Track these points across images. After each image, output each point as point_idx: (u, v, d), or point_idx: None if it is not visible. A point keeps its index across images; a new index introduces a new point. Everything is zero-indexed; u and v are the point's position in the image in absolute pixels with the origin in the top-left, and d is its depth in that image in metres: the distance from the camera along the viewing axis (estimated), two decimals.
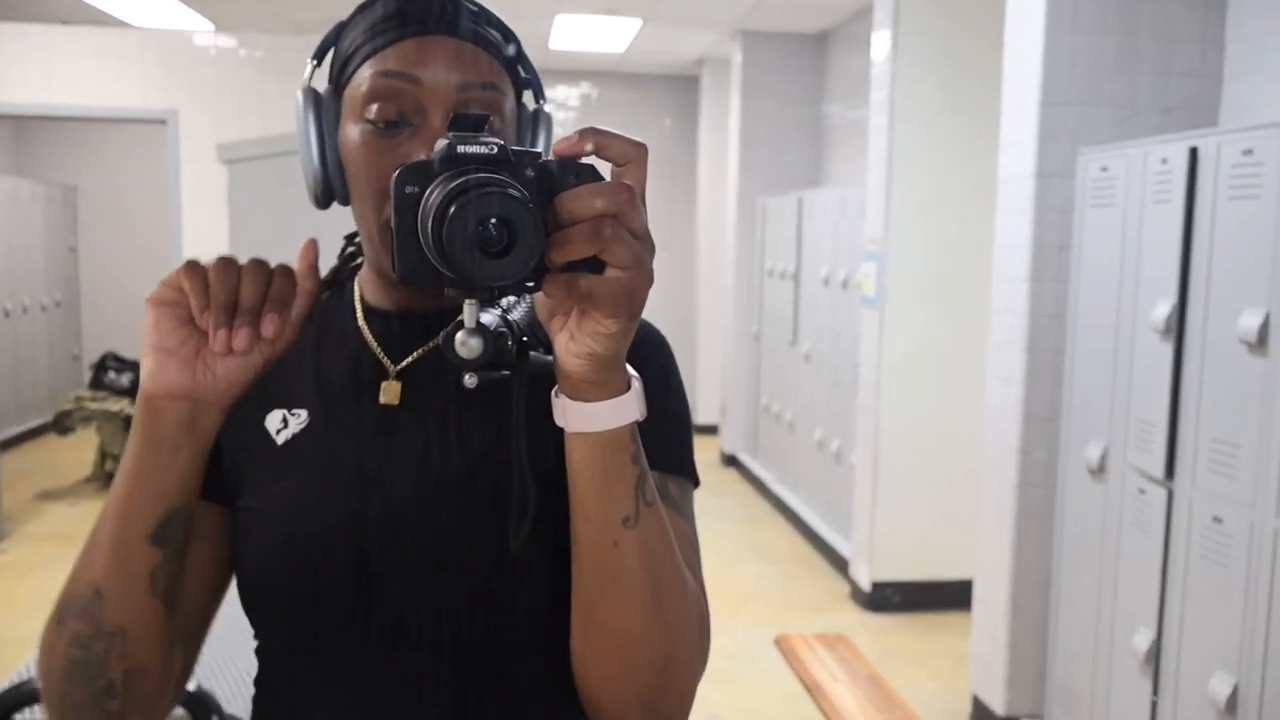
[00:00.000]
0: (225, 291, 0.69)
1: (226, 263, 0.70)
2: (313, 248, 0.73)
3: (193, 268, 0.70)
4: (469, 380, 0.69)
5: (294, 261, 0.75)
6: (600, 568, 0.71)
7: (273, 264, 0.73)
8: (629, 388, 0.68)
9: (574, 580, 0.74)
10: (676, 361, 0.89)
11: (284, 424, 0.84)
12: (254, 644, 0.88)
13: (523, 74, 0.85)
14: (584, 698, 0.77)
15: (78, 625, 0.73)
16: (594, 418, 0.67)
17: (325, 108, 0.81)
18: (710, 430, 7.61)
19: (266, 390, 0.84)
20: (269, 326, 0.71)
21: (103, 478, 6.15)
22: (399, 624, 0.78)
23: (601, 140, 0.63)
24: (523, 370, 0.73)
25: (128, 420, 6.11)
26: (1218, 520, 2.35)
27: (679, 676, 0.75)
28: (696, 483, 0.86)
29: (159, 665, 0.76)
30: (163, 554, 0.73)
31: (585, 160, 0.64)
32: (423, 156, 0.72)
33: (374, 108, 0.77)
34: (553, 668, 0.79)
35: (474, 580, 0.78)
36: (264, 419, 0.84)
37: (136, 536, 0.73)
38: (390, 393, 0.83)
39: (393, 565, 0.78)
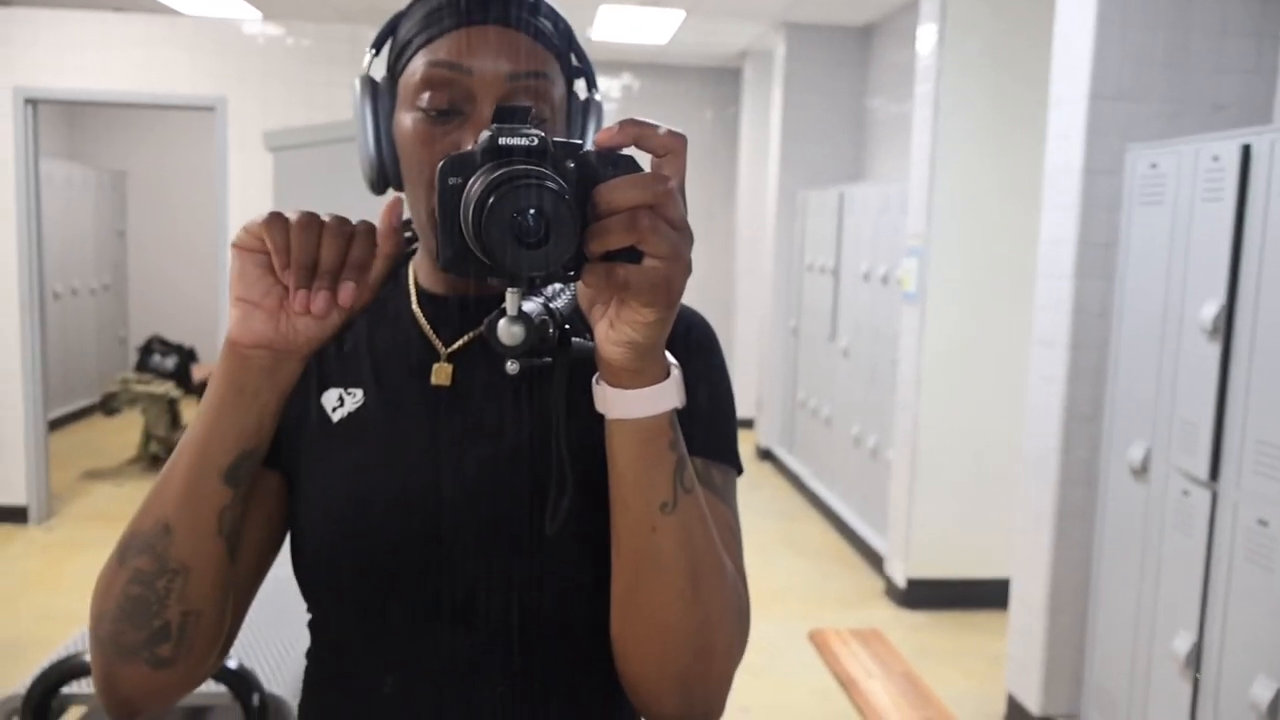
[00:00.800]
0: (305, 252, 0.70)
1: (309, 219, 0.71)
2: (398, 205, 0.73)
3: (275, 220, 0.70)
4: (511, 366, 0.71)
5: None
6: (638, 553, 0.72)
7: (355, 221, 0.74)
8: (668, 375, 0.69)
9: (614, 565, 0.75)
10: (722, 349, 0.89)
11: (340, 402, 0.86)
12: (293, 621, 0.90)
13: (575, 63, 0.86)
14: (623, 679, 0.79)
15: (140, 561, 0.75)
16: (633, 404, 0.68)
17: (381, 96, 0.83)
18: (746, 424, 7.60)
19: (323, 369, 0.87)
20: (345, 295, 0.71)
21: (147, 459, 6.26)
22: (468, 596, 0.80)
23: (641, 132, 0.64)
24: (564, 357, 0.74)
25: (172, 403, 6.22)
26: (1263, 523, 2.31)
27: (717, 662, 0.76)
28: (740, 470, 0.87)
29: (214, 612, 0.78)
30: (233, 494, 0.75)
31: (625, 152, 0.65)
32: (471, 145, 0.73)
33: (426, 96, 0.78)
34: (602, 648, 0.80)
35: (529, 557, 0.79)
36: (320, 396, 0.86)
37: (211, 473, 0.74)
38: (442, 374, 0.84)
39: (465, 537, 0.80)
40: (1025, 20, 4.02)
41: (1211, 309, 2.47)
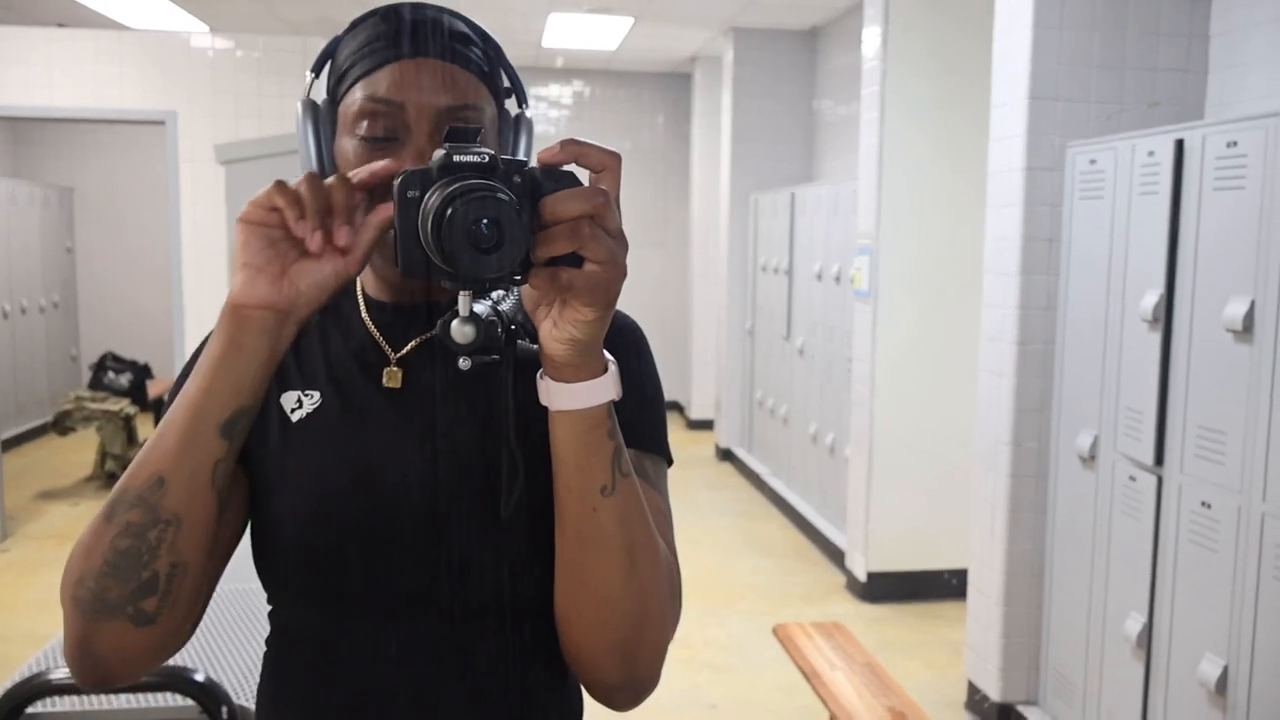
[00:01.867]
0: (318, 199, 0.75)
1: (313, 177, 0.76)
2: (392, 165, 0.78)
3: (282, 185, 0.76)
4: (463, 363, 0.78)
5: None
6: (581, 532, 0.79)
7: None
8: (606, 370, 0.76)
9: (558, 544, 0.82)
10: (651, 350, 0.97)
11: (299, 404, 0.91)
12: (260, 634, 0.94)
13: (505, 84, 0.93)
14: (566, 651, 0.85)
15: (132, 515, 0.77)
16: (575, 396, 0.75)
17: (322, 118, 0.90)
18: (705, 425, 7.65)
19: (281, 373, 0.92)
20: (343, 236, 0.76)
21: (104, 477, 6.17)
22: (429, 580, 0.86)
23: (580, 150, 0.71)
24: (511, 354, 0.81)
25: (128, 420, 6.14)
26: (1206, 506, 2.39)
27: (652, 631, 0.83)
28: (670, 460, 0.94)
29: (198, 570, 0.80)
30: (226, 448, 0.79)
31: (566, 168, 0.72)
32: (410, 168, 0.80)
33: (364, 125, 0.86)
34: (549, 625, 0.86)
35: (485, 542, 0.86)
36: (279, 398, 0.92)
37: (209, 426, 0.78)
38: (393, 378, 0.91)
39: (425, 525, 0.86)
40: (968, 21, 4.11)
41: (1151, 299, 2.55)
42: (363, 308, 0.94)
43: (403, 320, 0.93)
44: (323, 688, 0.89)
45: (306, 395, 0.91)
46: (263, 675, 0.96)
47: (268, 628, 0.96)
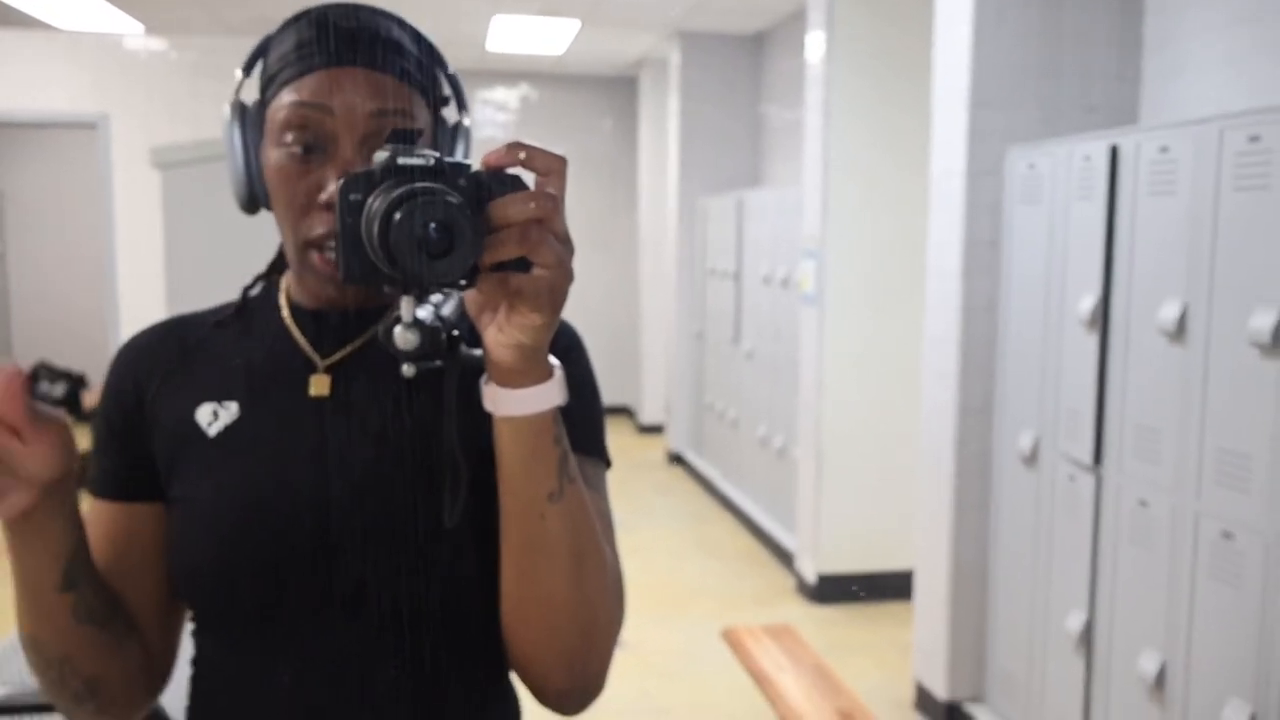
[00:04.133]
0: None
1: None
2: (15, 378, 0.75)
3: None
4: (407, 369, 0.76)
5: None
6: (528, 539, 0.78)
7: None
8: (551, 375, 0.75)
9: (504, 553, 0.80)
10: (588, 352, 0.96)
11: (214, 416, 0.89)
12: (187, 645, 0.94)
13: (443, 92, 0.91)
14: (514, 659, 0.85)
15: (31, 657, 0.84)
16: (521, 403, 0.74)
17: (250, 121, 0.88)
18: (655, 430, 7.65)
19: (195, 386, 0.90)
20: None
21: None
22: (358, 590, 0.84)
23: (526, 153, 0.70)
24: (455, 360, 0.79)
25: None
26: (1143, 504, 2.44)
27: (599, 637, 0.83)
28: (609, 464, 0.94)
29: (114, 668, 0.86)
30: (76, 593, 0.81)
31: (512, 171, 0.70)
32: (332, 186, 0.80)
33: (289, 135, 0.84)
34: (494, 636, 0.85)
35: (421, 550, 0.84)
36: (194, 413, 0.89)
37: (47, 592, 0.81)
38: (320, 385, 0.88)
39: (354, 532, 0.84)
40: (911, 25, 4.15)
41: (1088, 302, 2.60)
42: (286, 313, 0.92)
43: (329, 326, 0.90)
44: (253, 701, 0.87)
45: (223, 407, 0.88)
46: (190, 696, 0.94)
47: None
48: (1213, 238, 2.21)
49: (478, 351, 0.76)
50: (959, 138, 3.07)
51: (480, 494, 0.82)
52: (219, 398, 0.89)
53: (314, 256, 0.84)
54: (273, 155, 0.85)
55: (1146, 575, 2.43)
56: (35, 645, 0.83)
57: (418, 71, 0.88)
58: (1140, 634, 2.45)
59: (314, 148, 0.83)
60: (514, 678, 0.91)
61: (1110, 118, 3.08)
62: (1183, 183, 2.30)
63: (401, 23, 0.89)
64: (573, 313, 0.82)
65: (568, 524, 0.78)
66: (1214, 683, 2.23)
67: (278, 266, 0.97)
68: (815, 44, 4.33)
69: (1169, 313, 2.31)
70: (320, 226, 0.83)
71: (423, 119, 0.87)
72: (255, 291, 0.95)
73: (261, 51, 0.89)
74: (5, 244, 8.13)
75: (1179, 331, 2.30)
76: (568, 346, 0.92)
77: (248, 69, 0.89)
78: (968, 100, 3.02)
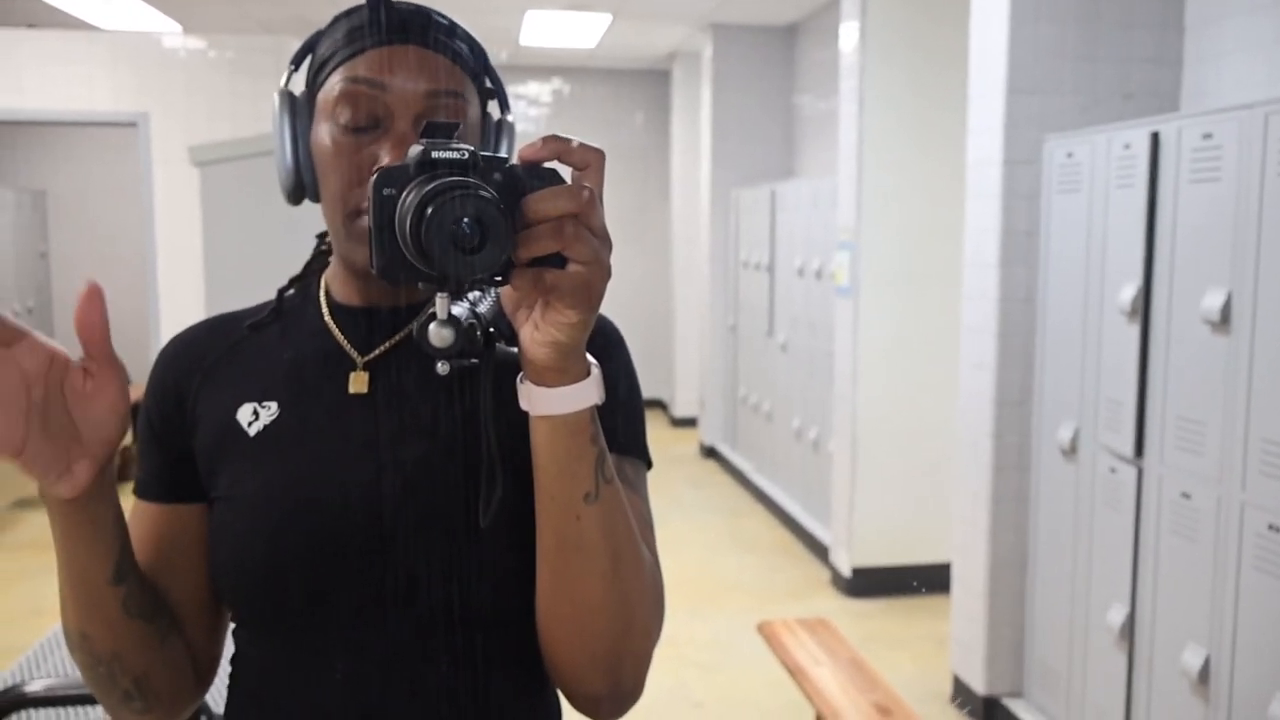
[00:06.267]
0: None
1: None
2: (95, 294, 0.75)
3: None
4: (441, 368, 0.74)
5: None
6: (564, 540, 0.76)
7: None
8: (589, 374, 0.73)
9: (539, 554, 0.79)
10: (629, 350, 0.94)
11: (255, 416, 0.88)
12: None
13: (489, 85, 0.90)
14: (549, 663, 0.83)
15: (78, 657, 0.84)
16: (557, 401, 0.72)
17: (299, 110, 0.86)
18: (689, 423, 7.64)
19: (235, 386, 0.90)
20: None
21: None
22: (411, 580, 0.83)
23: (563, 147, 0.68)
24: (490, 358, 0.78)
25: None
26: (1186, 496, 2.40)
27: (637, 640, 0.81)
28: (649, 464, 0.92)
29: (161, 665, 0.86)
30: (126, 586, 0.81)
31: (548, 165, 0.69)
32: (387, 159, 0.79)
33: (344, 110, 0.82)
34: (533, 633, 0.84)
35: (470, 546, 0.83)
36: (235, 413, 0.89)
37: (99, 586, 0.80)
38: (359, 382, 0.88)
39: (407, 522, 0.83)
40: (945, 13, 4.11)
41: (1129, 292, 2.56)
42: (325, 311, 0.91)
43: (369, 324, 0.90)
44: (303, 694, 0.86)
45: (264, 406, 0.88)
46: (229, 690, 0.94)
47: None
48: (1258, 225, 2.17)
49: (514, 349, 0.74)
50: (996, 125, 3.03)
51: (521, 493, 0.80)
52: (259, 398, 0.89)
53: (360, 224, 0.82)
54: (324, 134, 0.84)
55: (1190, 568, 2.39)
56: (85, 642, 0.83)
57: (470, 58, 0.87)
58: (1183, 628, 2.42)
59: (367, 126, 0.82)
60: None
61: (1149, 103, 3.03)
62: (1227, 169, 2.26)
63: (451, 19, 0.89)
64: (606, 305, 0.80)
65: (604, 525, 0.76)
66: (1259, 677, 2.19)
67: (313, 268, 0.96)
68: (849, 34, 4.29)
69: (1213, 301, 2.27)
70: None
71: (474, 107, 0.87)
72: (290, 293, 0.95)
73: (311, 45, 0.89)
74: (48, 242, 8.26)
75: (1223, 320, 2.26)
76: (606, 344, 0.90)
77: (297, 61, 0.89)
78: (1004, 86, 2.98)
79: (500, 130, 0.92)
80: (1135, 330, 2.56)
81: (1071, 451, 2.86)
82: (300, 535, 0.83)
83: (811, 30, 6.14)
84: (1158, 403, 2.50)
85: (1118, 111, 3.01)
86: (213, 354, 0.92)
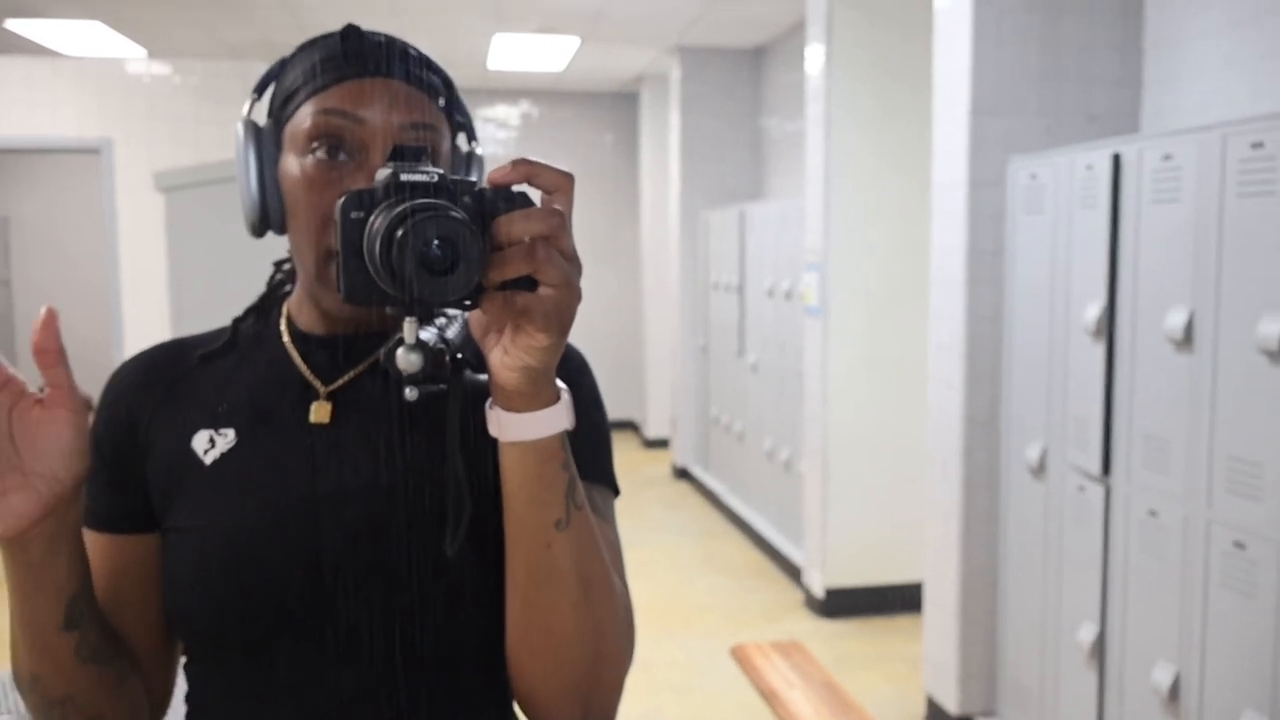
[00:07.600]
0: None
1: None
2: (51, 322, 0.74)
3: None
4: (410, 393, 0.74)
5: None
6: (535, 569, 0.75)
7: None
8: (559, 399, 0.72)
9: (509, 583, 0.78)
10: (595, 376, 0.94)
11: (211, 444, 0.86)
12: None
13: (458, 118, 0.90)
14: (520, 697, 0.82)
15: (30, 699, 0.82)
16: (527, 427, 0.71)
17: (265, 141, 0.85)
18: (661, 444, 7.63)
19: (191, 412, 0.87)
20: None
21: None
22: (353, 634, 0.81)
23: (532, 170, 0.68)
24: (459, 383, 0.77)
25: None
26: (1153, 514, 2.42)
27: (609, 669, 0.80)
28: (617, 492, 0.91)
29: (117, 706, 0.84)
30: (80, 632, 0.79)
31: (517, 188, 0.68)
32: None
33: (317, 142, 0.81)
34: (495, 672, 0.83)
35: (422, 589, 0.81)
36: (190, 441, 0.86)
37: (50, 632, 0.78)
38: (321, 412, 0.86)
39: (346, 577, 0.81)
40: (911, 34, 4.15)
41: (1094, 311, 2.58)
42: (286, 339, 0.90)
43: (331, 352, 0.88)
44: None
45: (220, 434, 0.86)
46: None
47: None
48: (1218, 245, 2.20)
49: (483, 375, 0.73)
50: (960, 146, 3.06)
51: (483, 524, 0.79)
52: (216, 425, 0.86)
53: (334, 268, 0.80)
54: (294, 165, 0.82)
55: (1158, 586, 2.41)
56: (35, 684, 0.81)
57: (443, 90, 0.87)
58: (1153, 645, 2.43)
59: (342, 157, 0.81)
60: (519, 712, 0.88)
61: (1112, 125, 3.08)
62: (1187, 190, 2.29)
63: (419, 50, 0.88)
64: (576, 327, 0.80)
65: (575, 552, 0.75)
66: (1229, 694, 2.20)
67: (270, 298, 0.94)
68: (814, 56, 4.33)
69: (1175, 320, 2.30)
70: None
71: (446, 142, 0.86)
72: (247, 324, 0.93)
73: (276, 73, 0.87)
74: (10, 269, 8.15)
75: (1186, 339, 2.28)
76: (571, 371, 0.88)
77: (260, 89, 0.87)
78: (968, 108, 3.02)
79: (470, 161, 0.92)
80: (1100, 349, 2.58)
81: (1040, 470, 2.88)
82: (240, 580, 0.81)
83: (778, 53, 6.19)
84: (1124, 421, 2.52)
85: (1082, 132, 3.05)
86: (168, 379, 0.90)
